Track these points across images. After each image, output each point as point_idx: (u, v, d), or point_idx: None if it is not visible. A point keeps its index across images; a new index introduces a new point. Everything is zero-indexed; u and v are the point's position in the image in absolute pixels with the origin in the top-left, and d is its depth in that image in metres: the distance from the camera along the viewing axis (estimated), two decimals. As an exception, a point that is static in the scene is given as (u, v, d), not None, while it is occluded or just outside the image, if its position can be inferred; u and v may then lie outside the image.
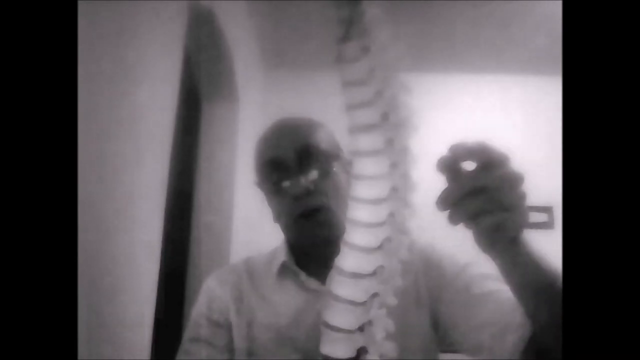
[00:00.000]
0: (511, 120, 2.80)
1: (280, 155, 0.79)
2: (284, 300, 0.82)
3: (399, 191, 0.42)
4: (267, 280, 0.85)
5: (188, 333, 0.84)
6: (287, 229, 0.84)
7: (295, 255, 0.85)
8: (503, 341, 0.64)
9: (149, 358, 1.13)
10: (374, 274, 0.43)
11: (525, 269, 0.54)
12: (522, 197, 0.50)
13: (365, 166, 0.42)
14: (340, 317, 0.43)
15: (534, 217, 2.65)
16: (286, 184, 0.77)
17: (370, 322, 0.43)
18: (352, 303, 0.42)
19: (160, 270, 1.20)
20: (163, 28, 1.24)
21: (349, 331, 0.43)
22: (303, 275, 0.82)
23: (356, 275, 0.42)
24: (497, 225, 0.48)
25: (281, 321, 0.79)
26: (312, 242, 0.81)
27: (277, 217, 0.84)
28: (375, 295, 0.43)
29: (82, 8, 0.57)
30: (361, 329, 0.43)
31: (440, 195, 0.49)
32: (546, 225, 2.61)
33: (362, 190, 0.42)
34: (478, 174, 0.48)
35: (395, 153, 0.41)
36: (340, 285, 0.43)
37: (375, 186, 0.42)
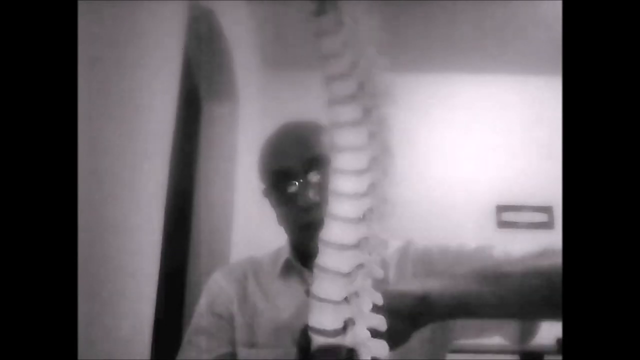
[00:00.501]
0: (511, 120, 2.80)
1: (288, 166, 0.80)
2: (287, 296, 0.83)
3: (378, 161, 0.43)
4: (271, 276, 0.87)
5: (192, 325, 0.86)
6: (292, 234, 0.85)
7: (298, 254, 0.86)
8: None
9: (149, 358, 1.14)
10: (357, 245, 0.43)
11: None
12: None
13: (345, 137, 0.42)
14: (326, 288, 0.44)
15: (534, 217, 2.67)
16: (292, 188, 0.78)
17: (356, 294, 0.43)
18: (338, 274, 0.43)
19: (160, 270, 1.20)
20: (163, 28, 1.24)
21: (335, 302, 0.43)
22: (306, 273, 0.84)
23: (340, 247, 0.43)
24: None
25: (283, 316, 0.81)
26: (316, 250, 0.82)
27: (282, 222, 0.85)
28: (360, 266, 0.44)
29: (82, 8, 0.57)
30: (347, 300, 0.43)
31: None
32: (546, 225, 2.61)
33: (343, 161, 0.43)
34: None
35: (374, 122, 0.42)
36: (325, 257, 0.44)
37: (356, 157, 0.42)
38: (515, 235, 2.61)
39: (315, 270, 0.45)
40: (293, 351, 0.78)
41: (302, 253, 0.86)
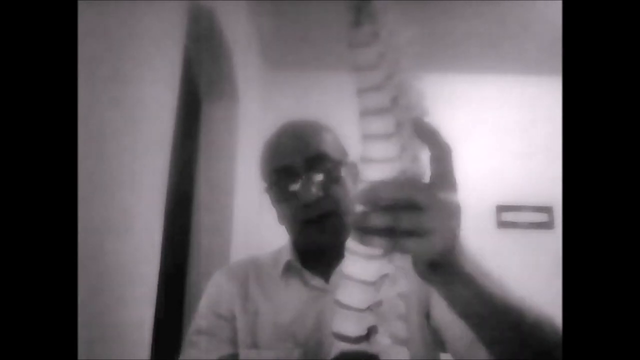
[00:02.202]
0: (511, 120, 2.80)
1: (290, 164, 0.80)
2: (288, 298, 0.83)
3: (408, 174, 0.42)
4: (272, 277, 0.87)
5: (193, 325, 0.85)
6: (294, 232, 0.85)
7: (300, 255, 0.87)
8: (479, 349, 0.64)
9: (149, 358, 1.14)
10: (384, 255, 0.43)
11: (461, 298, 0.48)
12: (445, 221, 0.42)
13: (376, 149, 0.43)
14: (350, 295, 0.44)
15: (534, 217, 2.67)
16: (295, 187, 0.79)
17: (380, 302, 0.44)
18: (363, 282, 0.43)
19: (160, 270, 1.20)
20: (163, 28, 1.24)
21: (359, 309, 0.43)
22: (307, 274, 0.84)
23: (367, 257, 0.43)
24: (401, 246, 0.42)
25: (284, 317, 0.81)
26: (319, 247, 0.82)
27: (283, 220, 0.85)
28: (385, 276, 0.44)
29: (82, 8, 0.57)
30: (371, 308, 0.44)
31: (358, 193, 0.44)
32: (546, 225, 2.61)
33: (373, 173, 0.43)
34: (393, 188, 0.42)
35: (405, 136, 0.42)
36: (351, 265, 0.44)
37: (386, 169, 0.42)
38: (515, 235, 2.61)
39: (340, 277, 0.45)
40: (295, 352, 0.78)
41: (303, 253, 0.86)
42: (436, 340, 0.78)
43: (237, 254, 1.98)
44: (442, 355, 0.81)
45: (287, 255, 0.87)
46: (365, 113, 0.43)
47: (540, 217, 2.63)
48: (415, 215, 0.41)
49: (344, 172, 0.82)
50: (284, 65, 2.79)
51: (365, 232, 0.42)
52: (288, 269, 0.86)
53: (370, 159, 0.43)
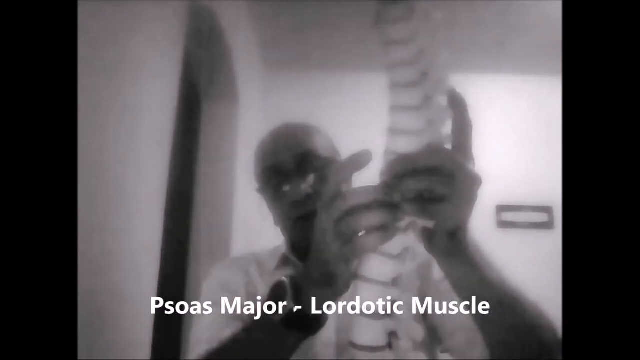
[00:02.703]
0: (511, 120, 2.80)
1: (279, 162, 0.82)
2: None
3: (433, 146, 0.44)
4: (270, 271, 0.88)
5: (202, 299, 0.85)
6: (287, 231, 0.86)
7: (295, 249, 0.88)
8: (477, 346, 0.65)
9: (149, 358, 1.14)
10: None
11: (465, 281, 0.51)
12: (469, 188, 0.44)
13: (404, 121, 0.44)
14: (375, 269, 0.45)
15: (534, 217, 2.66)
16: (286, 187, 0.80)
17: (401, 277, 0.45)
18: (387, 255, 0.45)
19: (160, 270, 1.20)
20: (163, 28, 1.24)
21: (384, 283, 0.45)
22: (302, 267, 0.84)
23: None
24: (429, 211, 0.44)
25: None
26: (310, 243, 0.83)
27: (278, 221, 0.86)
28: (407, 249, 0.45)
29: (82, 8, 0.57)
30: (395, 282, 0.45)
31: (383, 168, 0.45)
32: (546, 225, 2.61)
33: (400, 144, 0.44)
34: (427, 155, 0.44)
35: (433, 110, 0.43)
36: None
37: (412, 141, 0.43)
38: (515, 235, 2.61)
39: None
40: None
41: (299, 249, 0.87)
42: (433, 337, 0.78)
43: (236, 253, 1.98)
44: (442, 355, 0.81)
45: (283, 249, 0.89)
46: (395, 86, 0.44)
47: (540, 217, 2.63)
48: (445, 181, 0.43)
49: None
50: (284, 65, 2.79)
51: (392, 202, 0.43)
52: (283, 262, 0.88)
53: (398, 131, 0.44)
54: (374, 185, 0.44)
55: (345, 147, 0.89)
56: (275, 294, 0.55)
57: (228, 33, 1.89)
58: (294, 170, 0.80)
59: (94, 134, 0.86)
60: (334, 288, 0.49)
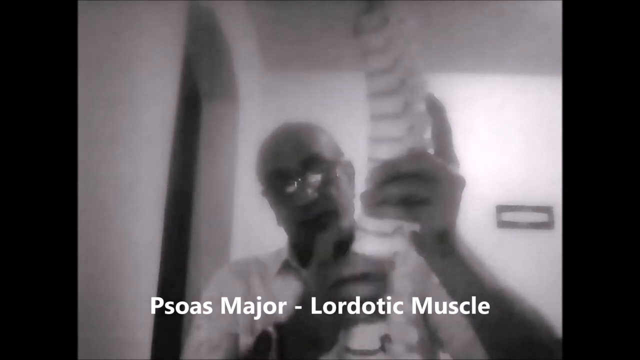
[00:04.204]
0: (511, 120, 2.80)
1: (285, 166, 0.81)
2: (285, 295, 0.84)
3: (415, 151, 0.45)
4: (272, 276, 0.88)
5: (199, 308, 0.87)
6: (292, 234, 0.87)
7: (297, 253, 0.88)
8: (476, 349, 0.65)
9: (149, 358, 1.14)
10: (395, 231, 0.46)
11: (458, 282, 0.51)
12: (452, 190, 0.46)
13: (385, 129, 0.45)
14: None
15: (534, 217, 2.66)
16: (291, 189, 0.79)
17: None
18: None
19: (160, 270, 1.20)
20: (163, 28, 1.24)
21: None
22: (304, 272, 0.85)
23: (379, 234, 0.46)
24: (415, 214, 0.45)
25: (282, 314, 0.81)
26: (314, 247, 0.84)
27: (281, 222, 0.86)
28: (396, 253, 0.47)
29: (82, 8, 0.57)
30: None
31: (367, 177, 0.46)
32: (546, 226, 2.61)
33: (382, 152, 0.45)
34: (409, 160, 0.45)
35: (413, 116, 0.44)
36: (364, 244, 0.47)
37: (394, 148, 0.44)
38: (515, 235, 2.61)
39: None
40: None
41: (301, 253, 0.87)
42: (434, 340, 0.78)
43: (237, 253, 1.98)
44: (442, 355, 0.81)
45: (285, 254, 0.88)
46: (375, 95, 0.44)
47: (540, 217, 2.63)
48: (427, 184, 0.44)
49: (339, 172, 0.83)
50: (284, 65, 2.79)
51: (378, 206, 0.44)
52: (285, 267, 0.87)
53: (380, 139, 0.45)
54: (362, 254, 0.46)
55: (347, 147, 0.89)
56: (260, 346, 0.56)
57: (228, 33, 1.89)
58: (300, 173, 0.80)
59: (94, 134, 0.86)
60: (318, 349, 0.50)
